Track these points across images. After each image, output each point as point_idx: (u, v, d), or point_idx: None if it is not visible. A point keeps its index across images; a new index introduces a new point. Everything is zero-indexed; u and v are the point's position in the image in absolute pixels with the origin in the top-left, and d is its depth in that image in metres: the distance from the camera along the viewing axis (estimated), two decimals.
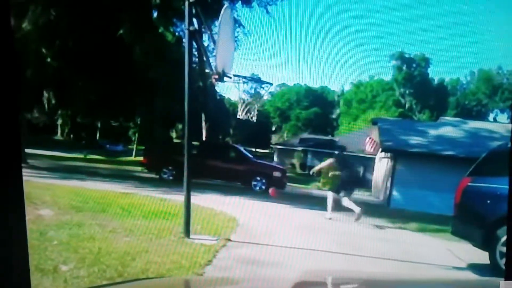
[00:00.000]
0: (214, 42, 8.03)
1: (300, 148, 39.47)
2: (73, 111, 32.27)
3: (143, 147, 28.63)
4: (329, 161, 12.94)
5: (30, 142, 23.09)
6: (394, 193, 19.72)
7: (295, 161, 39.56)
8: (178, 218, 8.15)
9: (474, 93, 52.30)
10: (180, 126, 40.76)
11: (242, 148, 21.92)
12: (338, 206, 13.08)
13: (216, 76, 7.93)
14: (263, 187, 17.67)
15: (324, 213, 12.37)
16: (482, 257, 7.24)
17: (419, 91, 49.74)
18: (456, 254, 8.49)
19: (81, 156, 30.84)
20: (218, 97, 37.36)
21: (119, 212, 9.10)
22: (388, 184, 20.53)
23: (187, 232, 7.41)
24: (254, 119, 9.56)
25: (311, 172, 14.06)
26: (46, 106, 28.14)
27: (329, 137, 44.68)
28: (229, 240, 7.54)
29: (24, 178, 1.44)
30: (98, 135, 47.89)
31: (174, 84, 19.17)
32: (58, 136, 48.93)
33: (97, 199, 10.34)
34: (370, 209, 16.44)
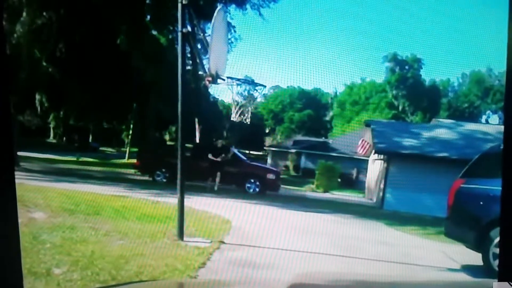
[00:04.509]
0: (207, 44, 8.03)
1: (293, 150, 39.52)
2: (66, 113, 32.18)
3: (136, 150, 28.52)
4: None
5: (22, 144, 22.98)
6: (387, 195, 19.76)
7: (289, 163, 39.61)
8: (172, 221, 8.13)
9: (466, 94, 52.53)
10: (173, 129, 40.71)
11: (236, 150, 21.91)
12: (334, 209, 13.11)
13: (210, 78, 7.93)
14: (257, 189, 17.67)
15: (320, 215, 12.41)
16: (475, 258, 7.26)
17: (412, 93, 49.90)
18: (450, 255, 8.51)
19: (74, 158, 30.69)
20: (211, 99, 37.36)
21: (113, 215, 9.07)
22: (381, 186, 20.58)
23: (180, 234, 7.40)
24: (248, 121, 9.57)
25: None
26: (38, 108, 28.05)
27: (322, 139, 44.76)
28: (223, 242, 7.53)
29: (16, 181, 1.43)
30: (91, 137, 47.75)
31: (167, 86, 19.16)
32: (51, 139, 48.74)
33: (90, 202, 10.30)
34: (363, 211, 16.49)
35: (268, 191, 17.89)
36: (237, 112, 9.35)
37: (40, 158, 26.18)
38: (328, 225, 11.06)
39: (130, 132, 39.18)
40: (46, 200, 9.72)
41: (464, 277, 7.06)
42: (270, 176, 18.68)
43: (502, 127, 1.53)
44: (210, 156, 16.76)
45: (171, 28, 24.73)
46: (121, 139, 46.62)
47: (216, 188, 15.50)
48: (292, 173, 38.21)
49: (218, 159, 16.48)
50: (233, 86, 8.78)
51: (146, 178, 19.04)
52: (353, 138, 30.78)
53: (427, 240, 10.67)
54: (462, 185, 7.87)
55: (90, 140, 47.57)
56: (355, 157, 30.32)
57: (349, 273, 5.62)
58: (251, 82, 11.45)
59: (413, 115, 50.23)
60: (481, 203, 7.26)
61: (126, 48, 21.51)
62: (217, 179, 16.18)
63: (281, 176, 21.67)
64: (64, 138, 48.23)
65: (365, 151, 24.70)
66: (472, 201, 7.55)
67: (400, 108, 51.06)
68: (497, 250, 6.50)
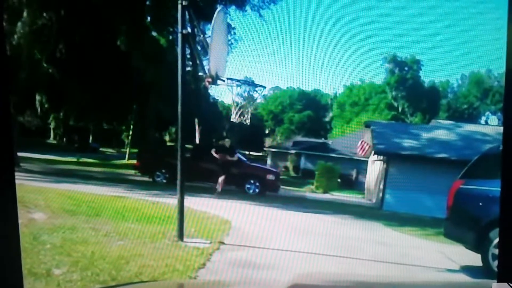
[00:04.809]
0: (207, 45, 8.03)
1: (293, 151, 39.52)
2: (66, 114, 32.20)
3: (136, 150, 28.51)
4: None
5: (22, 145, 22.97)
6: (387, 195, 19.77)
7: (289, 164, 39.60)
8: (172, 222, 8.13)
9: (466, 96, 52.53)
10: (173, 129, 40.69)
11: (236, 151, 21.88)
12: (333, 209, 13.10)
13: (210, 79, 7.94)
14: (257, 190, 17.63)
15: (319, 215, 12.42)
16: (474, 259, 7.27)
17: (411, 94, 49.89)
18: (449, 256, 8.52)
19: (74, 159, 30.69)
20: (211, 100, 37.36)
21: (113, 215, 9.07)
22: (381, 187, 20.58)
23: (180, 235, 7.40)
24: (248, 122, 9.57)
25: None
26: (39, 109, 28.06)
27: (322, 140, 44.74)
28: (223, 243, 7.53)
29: (17, 181, 1.44)
30: (91, 138, 47.75)
31: (167, 87, 19.16)
32: (51, 140, 48.72)
33: (90, 202, 10.30)
34: (362, 212, 16.50)
35: (267, 191, 17.86)
36: (237, 113, 9.35)
37: (40, 158, 26.17)
38: (327, 225, 11.06)
39: (130, 132, 39.18)
40: (46, 201, 9.72)
41: (463, 277, 7.06)
42: (270, 177, 18.66)
43: (501, 128, 1.54)
44: (213, 151, 16.01)
45: (171, 29, 24.76)
46: (121, 140, 46.59)
47: (219, 189, 14.89)
48: (292, 174, 38.20)
49: (219, 157, 15.73)
50: (233, 87, 8.79)
51: (146, 178, 19.04)
52: (352, 139, 30.78)
53: (426, 240, 10.67)
54: (461, 186, 7.88)
55: (90, 141, 47.56)
56: (354, 158, 30.31)
57: (348, 274, 5.63)
58: (251, 83, 11.47)
59: (412, 116, 50.24)
60: (481, 204, 7.26)
61: (126, 48, 21.52)
62: (220, 183, 15.31)
63: (281, 177, 21.66)
64: (64, 139, 48.22)
65: (364, 152, 24.70)
66: (471, 202, 7.56)
67: (400, 109, 51.05)
68: (496, 251, 6.51)
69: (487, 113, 51.79)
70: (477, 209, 7.34)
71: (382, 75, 51.16)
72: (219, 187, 14.48)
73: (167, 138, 46.87)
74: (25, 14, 19.02)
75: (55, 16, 19.98)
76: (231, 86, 8.66)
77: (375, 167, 24.14)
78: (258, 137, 47.94)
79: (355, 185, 30.55)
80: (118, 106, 26.49)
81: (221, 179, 14.79)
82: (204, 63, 9.25)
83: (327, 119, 58.51)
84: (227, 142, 14.47)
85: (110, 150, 48.52)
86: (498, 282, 1.46)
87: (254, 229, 9.58)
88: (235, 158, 14.86)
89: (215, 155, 14.92)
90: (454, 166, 10.47)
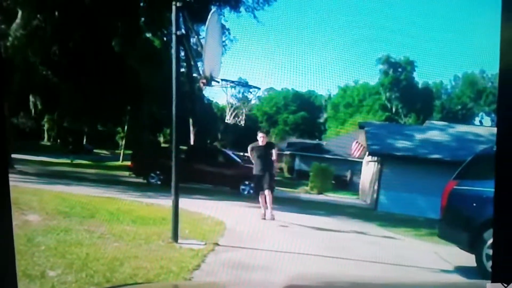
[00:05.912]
0: (202, 46, 8.03)
1: (288, 152, 39.58)
2: (60, 116, 32.13)
3: (131, 152, 28.49)
4: None
5: (16, 147, 22.92)
6: (381, 196, 19.84)
7: (283, 165, 39.64)
8: (166, 223, 8.12)
9: (459, 97, 52.83)
10: (167, 131, 40.70)
11: (230, 152, 21.91)
12: (328, 210, 13.09)
13: (204, 81, 7.92)
14: (251, 191, 17.62)
15: (314, 216, 12.44)
16: (468, 259, 7.29)
17: (405, 95, 50.12)
18: (443, 257, 8.55)
19: (68, 161, 30.65)
20: (206, 102, 37.42)
21: (107, 217, 9.05)
22: (375, 188, 20.64)
23: (175, 237, 7.38)
24: (242, 123, 9.55)
25: None
26: (32, 110, 28.00)
27: (316, 141, 44.84)
28: (217, 244, 7.52)
29: (10, 183, 1.43)
30: (85, 140, 47.70)
31: (161, 88, 19.16)
32: (45, 141, 48.61)
33: (85, 204, 10.27)
34: (357, 213, 16.53)
35: None
36: (231, 114, 9.34)
37: (34, 160, 26.10)
38: (322, 226, 11.07)
39: (125, 134, 39.16)
40: (41, 203, 9.69)
41: (457, 278, 7.08)
42: None
43: (495, 129, 1.54)
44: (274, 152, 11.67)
45: (165, 30, 24.75)
46: (116, 141, 46.60)
47: (270, 213, 10.54)
48: (286, 175, 38.29)
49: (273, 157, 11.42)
50: (227, 88, 8.78)
51: (140, 180, 19.02)
52: (347, 140, 30.87)
53: (421, 241, 10.71)
54: (455, 187, 7.90)
55: (84, 143, 47.50)
56: (349, 159, 30.41)
57: (342, 274, 5.64)
58: (245, 84, 11.44)
59: (406, 117, 50.46)
60: (474, 204, 7.29)
61: (120, 50, 21.50)
62: (270, 203, 10.62)
63: (275, 178, 21.67)
64: (58, 141, 48.13)
65: (359, 153, 24.78)
66: (465, 202, 7.59)
67: (394, 110, 51.27)
68: (490, 251, 6.52)
69: (480, 113, 52.07)
70: (471, 210, 7.37)
71: (376, 76, 51.40)
72: (269, 211, 10.68)
73: (161, 139, 46.87)
74: (19, 16, 18.98)
75: (49, 18, 19.93)
76: (225, 87, 8.65)
77: (369, 168, 24.20)
78: (252, 138, 48.10)
79: (350, 186, 30.66)
80: (112, 107, 26.45)
81: (269, 199, 10.79)
82: (199, 64, 9.24)
83: (321, 120, 58.71)
84: (260, 137, 11.44)
85: (104, 151, 48.50)
86: (492, 282, 1.46)
87: (249, 230, 9.58)
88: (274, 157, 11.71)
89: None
90: (448, 167, 10.50)
